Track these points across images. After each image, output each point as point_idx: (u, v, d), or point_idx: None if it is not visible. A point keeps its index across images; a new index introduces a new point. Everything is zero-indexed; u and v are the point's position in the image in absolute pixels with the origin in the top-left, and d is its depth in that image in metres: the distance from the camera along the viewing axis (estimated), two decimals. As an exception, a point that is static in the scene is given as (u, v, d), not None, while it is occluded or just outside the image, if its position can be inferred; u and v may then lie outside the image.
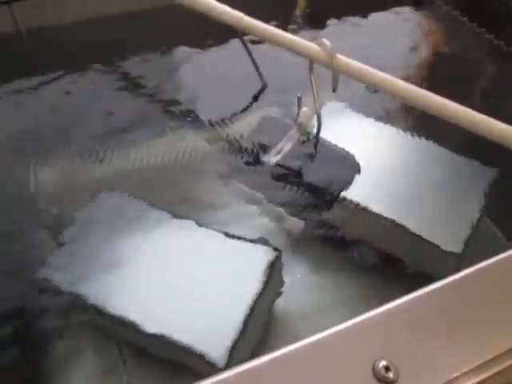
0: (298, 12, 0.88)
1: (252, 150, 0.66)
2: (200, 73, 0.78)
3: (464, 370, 0.28)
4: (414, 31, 0.92)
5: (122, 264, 0.52)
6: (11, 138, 0.69)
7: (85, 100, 0.75)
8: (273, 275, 0.50)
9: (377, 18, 0.93)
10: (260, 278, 0.48)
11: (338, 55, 0.52)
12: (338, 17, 0.90)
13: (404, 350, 0.30)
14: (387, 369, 0.29)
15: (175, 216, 0.55)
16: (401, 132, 0.66)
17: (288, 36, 0.54)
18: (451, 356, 0.30)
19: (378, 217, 0.55)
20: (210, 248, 0.52)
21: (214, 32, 0.75)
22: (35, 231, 0.59)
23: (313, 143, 0.62)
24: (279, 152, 0.61)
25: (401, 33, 0.91)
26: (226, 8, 0.58)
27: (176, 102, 0.74)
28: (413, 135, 0.65)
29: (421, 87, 0.49)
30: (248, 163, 0.66)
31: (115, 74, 0.79)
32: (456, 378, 0.28)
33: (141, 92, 0.77)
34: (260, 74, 0.70)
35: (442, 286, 0.33)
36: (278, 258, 0.51)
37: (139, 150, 0.69)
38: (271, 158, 0.60)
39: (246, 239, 0.52)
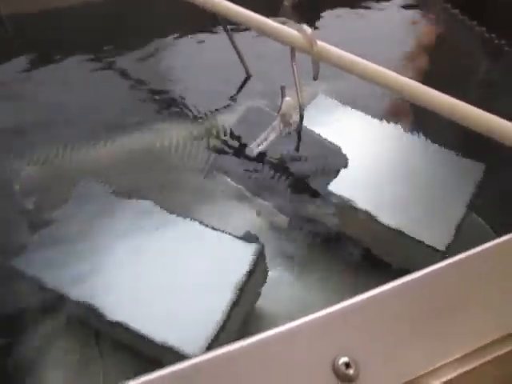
0: (286, 3, 0.87)
1: (235, 141, 0.64)
2: (184, 62, 0.76)
3: (429, 368, 0.27)
4: (407, 26, 0.90)
5: (98, 255, 0.50)
6: None
7: (65, 90, 0.73)
8: (255, 269, 0.48)
9: (368, 11, 0.91)
10: (242, 272, 0.47)
11: (319, 42, 0.50)
12: (329, 9, 0.88)
13: (366, 346, 0.28)
14: (347, 365, 0.27)
15: (157, 208, 0.53)
16: (391, 127, 0.64)
17: (268, 22, 0.52)
18: (415, 353, 0.28)
19: (363, 213, 0.54)
20: (192, 241, 0.51)
21: (199, 20, 0.73)
22: (14, 221, 0.58)
23: (297, 134, 0.60)
24: (262, 142, 0.59)
25: (393, 27, 0.89)
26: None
27: (159, 92, 0.72)
28: (403, 130, 0.64)
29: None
30: (231, 154, 0.64)
31: (97, 63, 0.77)
32: (421, 376, 0.27)
33: (124, 81, 0.75)
34: (244, 64, 0.68)
35: (407, 282, 0.31)
36: (261, 253, 0.49)
37: (121, 142, 0.68)
38: (254, 149, 0.58)
39: (229, 233, 0.50)
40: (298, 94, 0.56)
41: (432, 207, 0.55)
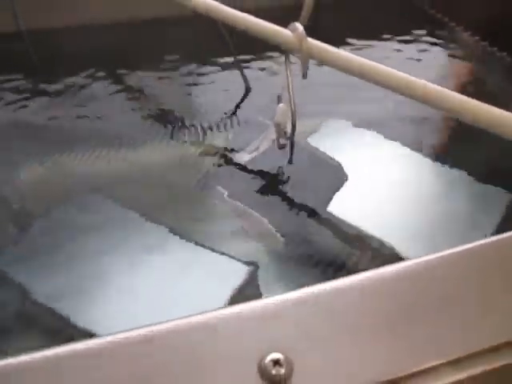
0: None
1: (230, 152, 0.61)
2: (188, 81, 0.76)
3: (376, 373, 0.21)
4: (427, 58, 0.87)
5: (86, 268, 0.48)
6: None
7: (77, 103, 0.74)
8: (248, 290, 0.46)
9: (383, 43, 0.89)
10: (234, 293, 0.45)
11: (310, 39, 0.47)
12: (343, 41, 0.87)
13: (304, 344, 0.22)
14: (277, 363, 0.21)
15: (151, 222, 0.52)
16: (403, 149, 0.62)
17: (259, 21, 0.50)
18: (365, 356, 0.22)
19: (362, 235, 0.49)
20: (183, 258, 0.49)
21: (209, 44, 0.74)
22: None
23: (291, 144, 0.57)
24: (254, 150, 0.55)
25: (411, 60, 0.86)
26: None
27: (161, 111, 0.72)
28: (419, 154, 0.62)
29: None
30: (228, 169, 0.61)
31: (112, 80, 0.78)
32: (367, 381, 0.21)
33: (131, 98, 0.76)
34: (244, 77, 0.67)
35: (359, 279, 0.26)
36: (254, 274, 0.47)
37: (122, 156, 0.66)
38: (244, 157, 0.55)
39: (222, 253, 0.49)
40: (290, 100, 0.53)
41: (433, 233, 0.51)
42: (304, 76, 0.47)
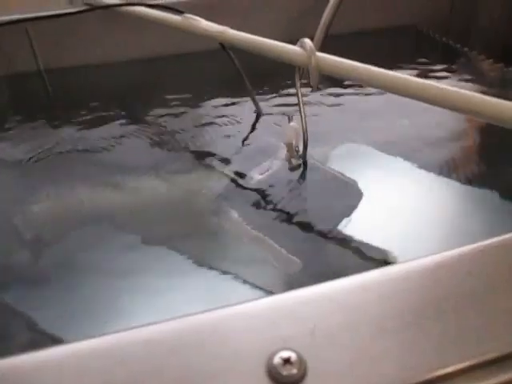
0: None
1: (241, 176, 0.60)
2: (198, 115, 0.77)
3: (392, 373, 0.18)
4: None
5: (95, 304, 0.46)
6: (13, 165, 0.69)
7: (93, 137, 0.75)
8: None
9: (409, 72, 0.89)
10: None
11: (319, 53, 0.47)
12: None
13: (316, 341, 0.20)
14: (287, 362, 0.19)
15: (164, 249, 0.50)
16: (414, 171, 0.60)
17: (265, 40, 0.50)
18: (385, 358, 0.19)
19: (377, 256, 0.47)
20: (195, 283, 0.47)
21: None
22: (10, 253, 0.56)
23: (304, 163, 0.55)
24: (265, 171, 0.54)
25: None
26: (209, 23, 0.56)
27: (173, 143, 0.72)
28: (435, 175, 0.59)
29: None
30: (242, 193, 0.60)
31: (127, 114, 0.79)
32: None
33: (145, 130, 0.76)
34: (255, 102, 0.67)
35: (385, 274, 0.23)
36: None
37: (139, 186, 0.66)
38: (254, 176, 0.53)
39: (237, 278, 0.47)
40: (302, 119, 0.52)
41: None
42: (314, 89, 0.46)
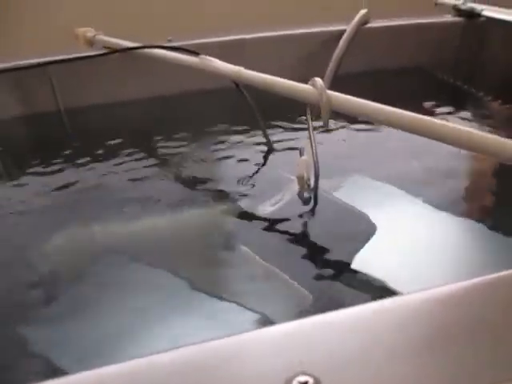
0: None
1: (254, 208, 0.61)
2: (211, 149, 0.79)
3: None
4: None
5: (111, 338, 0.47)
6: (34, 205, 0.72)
7: (110, 171, 0.78)
8: None
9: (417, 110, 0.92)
10: None
11: (329, 91, 0.49)
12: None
13: (332, 366, 0.20)
14: None
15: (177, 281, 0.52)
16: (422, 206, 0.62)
17: (281, 80, 0.53)
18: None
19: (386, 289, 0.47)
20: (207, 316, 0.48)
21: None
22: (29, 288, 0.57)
23: (315, 195, 0.57)
24: (277, 202, 0.56)
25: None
26: (224, 63, 0.60)
27: (188, 177, 0.74)
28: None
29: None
30: (250, 219, 0.61)
31: (143, 149, 0.82)
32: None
33: (161, 165, 0.79)
34: (267, 137, 0.69)
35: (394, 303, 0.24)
36: None
37: (150, 218, 0.68)
38: (266, 207, 0.55)
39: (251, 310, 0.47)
40: (313, 153, 0.54)
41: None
42: (325, 125, 0.48)
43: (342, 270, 0.54)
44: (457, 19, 1.03)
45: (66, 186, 0.73)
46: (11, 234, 0.66)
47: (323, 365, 0.21)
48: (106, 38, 0.89)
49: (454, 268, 0.54)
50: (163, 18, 1.33)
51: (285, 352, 0.22)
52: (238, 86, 0.64)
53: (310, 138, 0.53)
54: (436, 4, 1.12)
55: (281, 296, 0.54)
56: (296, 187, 0.57)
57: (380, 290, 0.51)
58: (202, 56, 0.64)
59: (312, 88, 0.50)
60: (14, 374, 0.45)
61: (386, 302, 0.25)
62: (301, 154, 0.56)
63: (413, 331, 0.24)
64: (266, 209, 0.56)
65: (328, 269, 0.56)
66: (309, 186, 0.56)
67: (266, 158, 0.70)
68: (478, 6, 1.03)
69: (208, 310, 0.50)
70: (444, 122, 0.40)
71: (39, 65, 0.76)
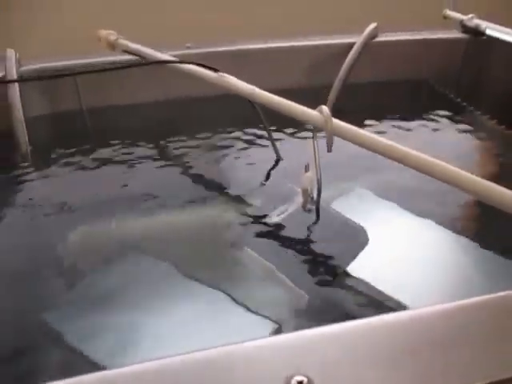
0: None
1: (261, 215, 0.68)
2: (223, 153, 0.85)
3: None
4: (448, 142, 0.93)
5: (125, 324, 0.53)
6: (53, 202, 0.78)
7: (122, 170, 0.84)
8: None
9: (416, 121, 0.97)
10: None
11: (335, 119, 0.55)
12: (369, 118, 0.96)
13: (325, 370, 0.27)
14: (301, 383, 0.26)
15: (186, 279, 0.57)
16: (420, 220, 0.66)
17: (291, 103, 0.59)
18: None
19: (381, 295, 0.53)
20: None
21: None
22: (51, 279, 0.63)
23: (317, 208, 0.63)
24: (282, 213, 0.62)
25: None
26: (239, 81, 0.65)
27: (200, 176, 0.80)
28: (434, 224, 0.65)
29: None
30: (257, 226, 0.67)
31: (157, 151, 0.88)
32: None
33: (179, 167, 0.84)
34: (275, 148, 0.75)
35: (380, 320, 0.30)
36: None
37: (163, 216, 0.74)
38: (272, 218, 0.61)
39: (249, 309, 0.53)
40: (317, 170, 0.60)
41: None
42: (329, 150, 0.54)
43: (335, 275, 0.60)
44: (462, 36, 1.07)
45: (85, 180, 0.80)
46: (38, 226, 0.72)
47: (316, 368, 0.27)
48: (128, 43, 0.94)
49: (448, 285, 0.59)
50: (176, 20, 1.38)
51: (287, 357, 0.28)
52: (252, 104, 0.70)
53: (314, 157, 0.59)
54: (445, 17, 1.16)
55: (278, 293, 0.61)
56: (300, 199, 0.63)
57: (368, 294, 0.57)
58: (220, 73, 0.69)
59: (319, 115, 0.56)
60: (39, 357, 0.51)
61: (376, 319, 0.31)
62: (306, 170, 0.62)
63: (397, 343, 0.30)
64: (272, 217, 0.62)
65: (321, 273, 0.62)
66: (312, 198, 0.62)
67: (274, 167, 0.76)
68: (483, 24, 1.07)
69: (207, 300, 0.56)
70: (437, 161, 0.45)
71: (62, 75, 0.82)
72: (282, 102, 0.61)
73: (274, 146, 0.76)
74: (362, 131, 0.53)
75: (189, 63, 0.73)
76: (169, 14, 1.39)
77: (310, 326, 0.55)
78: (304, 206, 0.63)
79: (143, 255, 0.62)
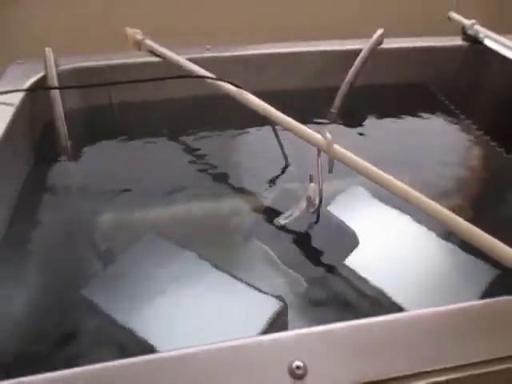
0: (333, 110, 1.05)
1: (270, 214, 0.80)
2: (238, 151, 0.95)
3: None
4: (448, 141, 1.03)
5: (150, 295, 0.64)
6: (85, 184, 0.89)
7: (150, 161, 0.95)
8: (277, 324, 0.58)
9: (411, 124, 1.07)
10: (264, 324, 0.57)
11: (336, 145, 0.66)
12: (373, 117, 1.06)
13: (319, 356, 0.40)
14: (298, 367, 0.39)
15: (201, 260, 0.68)
16: (411, 221, 0.75)
17: (300, 126, 0.70)
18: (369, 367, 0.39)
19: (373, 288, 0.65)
20: (223, 290, 0.64)
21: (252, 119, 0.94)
22: (88, 259, 0.75)
23: (317, 214, 0.75)
24: (288, 217, 0.74)
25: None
26: (256, 99, 0.75)
27: (220, 171, 0.91)
28: (422, 226, 0.74)
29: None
30: (266, 225, 0.79)
31: (177, 145, 0.99)
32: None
33: (196, 160, 0.95)
34: (285, 155, 0.86)
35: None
36: (284, 309, 0.59)
37: (184, 206, 0.86)
38: (280, 221, 0.74)
39: (258, 288, 0.63)
40: (319, 182, 0.71)
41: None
42: (330, 171, 0.66)
43: (331, 268, 0.72)
44: (462, 43, 1.14)
45: (117, 170, 0.91)
46: (72, 210, 0.83)
47: (310, 357, 0.40)
48: (154, 45, 1.03)
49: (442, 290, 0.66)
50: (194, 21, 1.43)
51: (291, 348, 0.41)
52: (268, 121, 0.80)
53: (317, 172, 0.70)
54: (449, 19, 1.22)
55: (278, 277, 0.72)
56: (304, 205, 0.75)
57: (361, 287, 0.69)
58: (240, 89, 0.80)
59: (323, 140, 0.67)
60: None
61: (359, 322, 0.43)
62: (310, 181, 0.74)
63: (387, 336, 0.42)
64: (280, 220, 0.74)
65: (322, 266, 0.74)
66: (314, 205, 0.74)
67: (282, 172, 0.88)
68: (482, 32, 1.13)
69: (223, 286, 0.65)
70: (431, 202, 0.55)
71: (96, 85, 0.91)
72: (292, 123, 0.71)
73: (282, 151, 0.87)
74: (358, 159, 0.64)
75: (218, 80, 0.83)
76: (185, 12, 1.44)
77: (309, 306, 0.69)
78: (307, 211, 0.75)
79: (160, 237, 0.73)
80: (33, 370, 0.41)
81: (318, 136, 0.68)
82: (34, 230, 0.78)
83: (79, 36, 1.25)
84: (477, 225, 0.56)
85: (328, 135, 0.67)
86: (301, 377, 0.39)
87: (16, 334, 0.60)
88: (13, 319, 0.62)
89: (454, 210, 0.59)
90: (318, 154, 0.69)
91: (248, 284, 0.63)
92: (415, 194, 0.57)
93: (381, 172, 0.60)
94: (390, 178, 0.59)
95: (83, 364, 0.41)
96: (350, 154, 0.65)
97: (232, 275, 0.65)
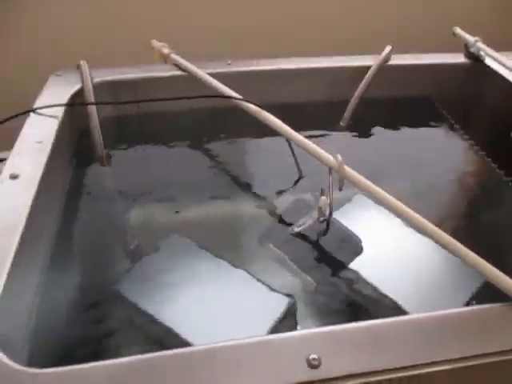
0: (342, 123, 1.15)
1: (283, 221, 0.90)
2: (256, 160, 1.05)
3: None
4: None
5: (174, 290, 0.69)
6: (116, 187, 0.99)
7: (173, 167, 1.05)
8: (287, 321, 0.64)
9: (417, 137, 1.15)
10: (275, 320, 0.63)
11: (346, 167, 0.76)
12: (380, 128, 1.15)
13: (333, 351, 0.51)
14: (314, 359, 0.50)
15: (219, 258, 0.76)
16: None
17: (314, 146, 0.79)
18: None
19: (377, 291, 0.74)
20: (237, 286, 0.70)
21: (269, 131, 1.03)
22: (119, 256, 0.85)
23: (327, 223, 0.85)
24: (301, 225, 0.84)
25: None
26: (274, 118, 0.85)
27: (239, 179, 1.01)
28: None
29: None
30: (280, 229, 0.89)
31: (199, 150, 1.08)
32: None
33: (214, 166, 1.05)
34: (298, 166, 0.96)
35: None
36: (293, 306, 0.66)
37: (204, 209, 0.96)
38: (294, 228, 0.84)
39: (272, 288, 0.70)
40: (330, 196, 0.81)
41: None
42: (340, 189, 0.75)
43: (338, 272, 0.83)
44: (464, 61, 1.21)
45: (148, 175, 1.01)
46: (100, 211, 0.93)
47: (325, 351, 0.51)
48: (179, 59, 1.11)
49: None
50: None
51: (307, 342, 0.51)
52: (287, 139, 0.90)
53: (329, 188, 0.80)
54: (454, 35, 1.29)
55: (289, 277, 0.81)
56: (316, 215, 0.85)
57: (366, 289, 0.77)
58: (260, 109, 0.89)
59: (334, 161, 0.77)
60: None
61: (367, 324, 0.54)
62: (321, 194, 0.83)
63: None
64: (294, 229, 0.85)
65: (328, 268, 0.84)
66: (324, 215, 0.84)
67: (296, 182, 0.97)
68: (483, 51, 1.20)
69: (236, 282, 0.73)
70: (435, 228, 0.62)
71: (126, 102, 1.00)
72: (308, 144, 0.81)
73: (296, 162, 0.97)
74: (368, 182, 0.73)
75: (240, 99, 0.92)
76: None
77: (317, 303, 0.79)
78: (318, 221, 0.85)
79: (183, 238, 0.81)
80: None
81: (330, 158, 0.77)
82: (74, 226, 0.87)
83: (106, 48, 1.33)
84: (473, 243, 0.63)
85: (339, 157, 0.76)
86: (316, 366, 0.49)
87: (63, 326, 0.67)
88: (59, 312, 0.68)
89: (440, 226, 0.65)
90: (330, 173, 0.79)
91: (263, 282, 0.69)
92: (421, 219, 0.65)
93: (390, 196, 0.70)
94: (398, 202, 0.69)
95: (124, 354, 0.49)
96: (358, 176, 0.74)
97: (249, 273, 0.73)
